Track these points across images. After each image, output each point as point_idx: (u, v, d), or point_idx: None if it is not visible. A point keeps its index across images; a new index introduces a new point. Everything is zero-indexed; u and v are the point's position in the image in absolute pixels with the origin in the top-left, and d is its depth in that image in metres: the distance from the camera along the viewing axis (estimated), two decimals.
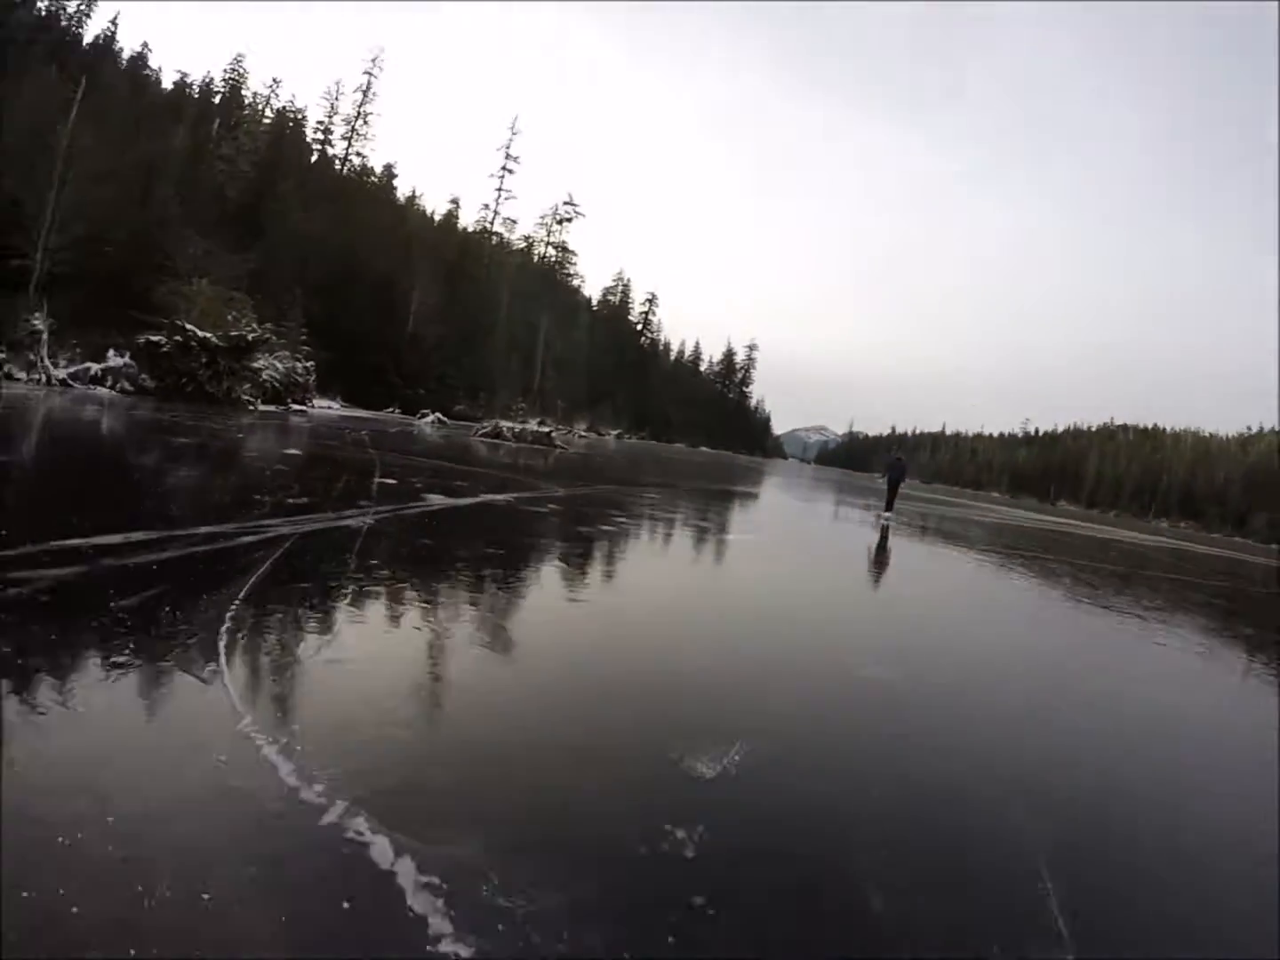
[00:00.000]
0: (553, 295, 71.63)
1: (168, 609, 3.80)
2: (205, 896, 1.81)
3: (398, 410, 42.09)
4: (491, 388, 54.02)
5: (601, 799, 2.69)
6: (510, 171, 67.47)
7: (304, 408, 30.05)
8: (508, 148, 67.57)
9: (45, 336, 23.41)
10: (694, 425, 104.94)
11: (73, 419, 15.31)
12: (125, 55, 55.61)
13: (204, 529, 5.75)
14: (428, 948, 1.76)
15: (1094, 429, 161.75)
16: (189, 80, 57.98)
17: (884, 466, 22.39)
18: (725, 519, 15.70)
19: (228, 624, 3.68)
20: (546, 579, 6.57)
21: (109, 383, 23.85)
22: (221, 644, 3.41)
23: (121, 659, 3.12)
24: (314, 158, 59.50)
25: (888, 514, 19.57)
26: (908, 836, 2.79)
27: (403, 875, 2.00)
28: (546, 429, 37.93)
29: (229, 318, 26.22)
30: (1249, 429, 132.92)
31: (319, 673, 3.36)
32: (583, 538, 9.18)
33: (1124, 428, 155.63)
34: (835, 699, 4.37)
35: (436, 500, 9.89)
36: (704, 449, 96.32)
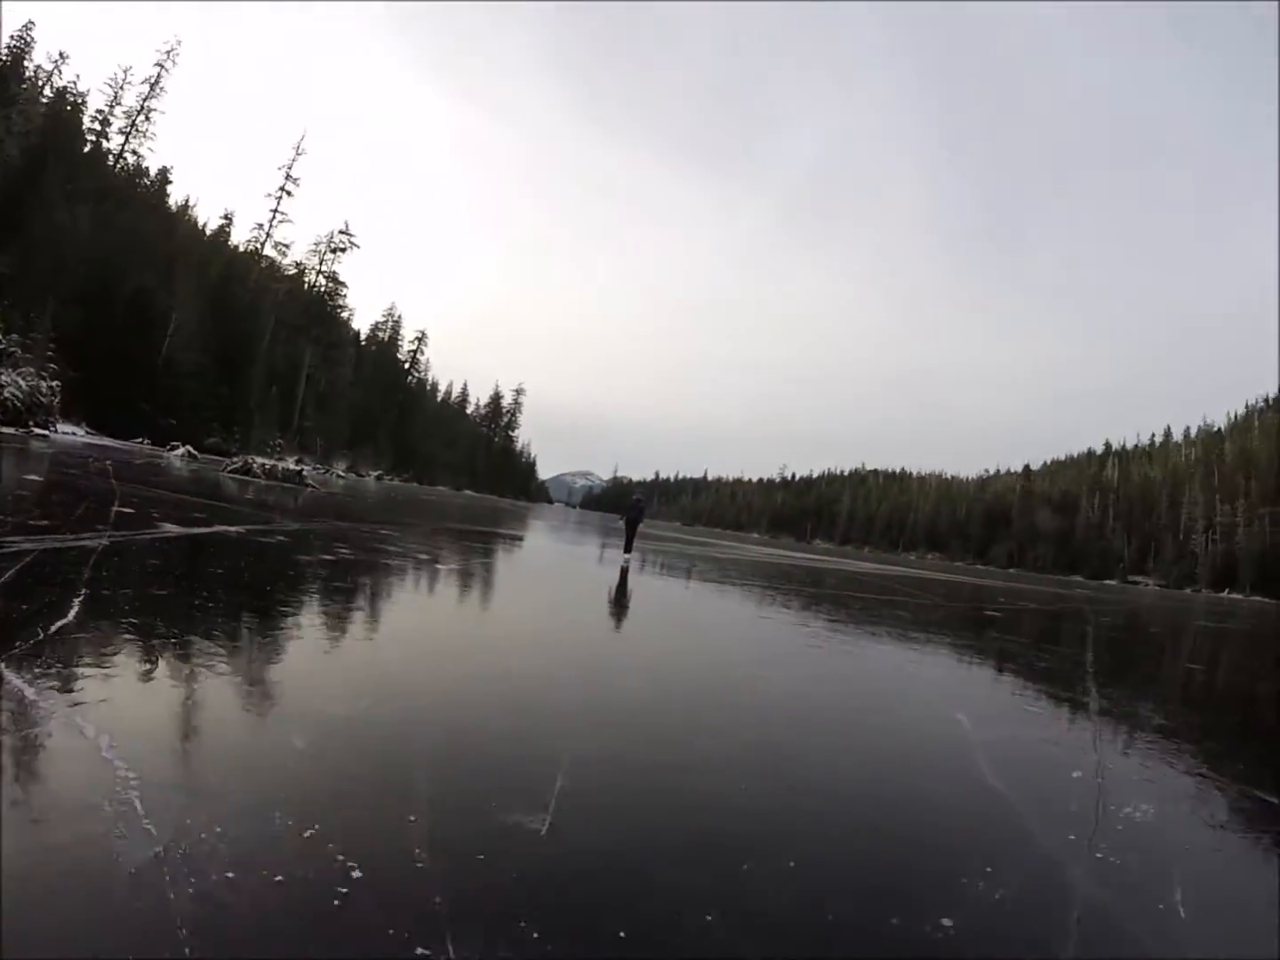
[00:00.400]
0: (320, 328, 69.11)
1: None
2: None
3: (146, 441, 38.89)
4: (249, 421, 51.31)
5: None
6: (289, 193, 64.38)
7: (46, 432, 27.13)
8: (289, 167, 64.50)
9: None
10: (458, 468, 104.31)
11: None
12: None
13: None
14: None
15: (846, 473, 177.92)
16: None
17: (623, 509, 21.94)
18: (449, 552, 15.27)
19: None
20: (250, 593, 7.31)
21: None
22: None
23: None
24: (87, 147, 53.11)
25: (627, 555, 19.41)
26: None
27: None
28: (298, 468, 36.40)
29: None
30: (986, 471, 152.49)
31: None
32: (299, 564, 9.80)
33: (874, 472, 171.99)
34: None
35: (172, 529, 10.34)
36: (467, 492, 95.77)
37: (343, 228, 72.75)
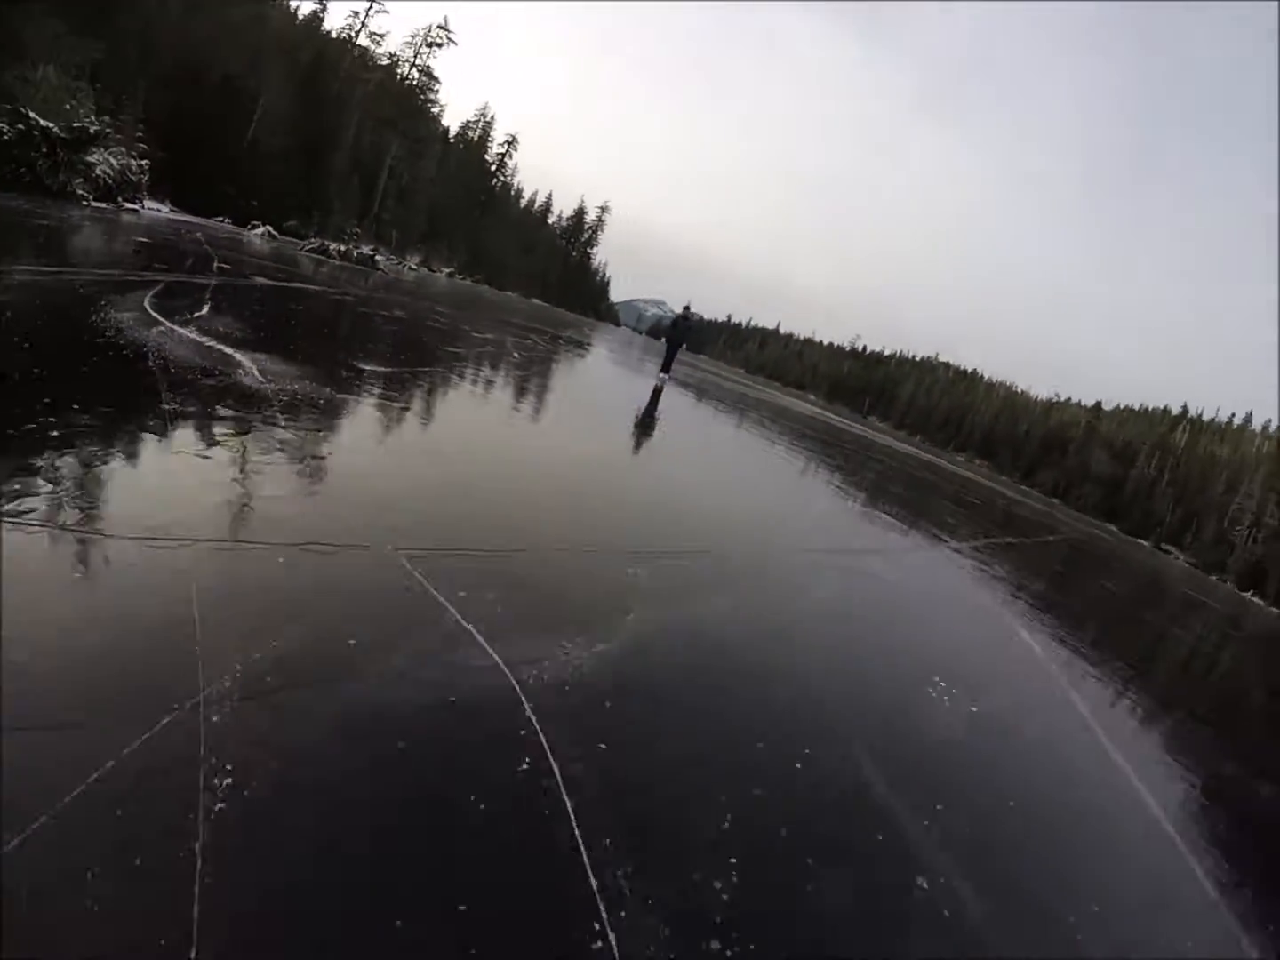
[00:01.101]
0: (408, 121, 70.81)
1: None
2: None
3: (227, 220, 42.81)
4: (328, 208, 54.73)
5: None
6: None
7: (136, 207, 31.36)
8: None
9: None
10: (532, 276, 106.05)
11: None
12: None
13: (114, 271, 10.78)
14: None
15: (918, 359, 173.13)
16: None
17: (670, 325, 19.42)
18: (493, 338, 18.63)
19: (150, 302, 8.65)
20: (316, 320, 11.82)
21: None
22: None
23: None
24: None
25: (663, 375, 18.86)
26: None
27: None
28: (372, 253, 40.75)
29: (66, 107, 27.21)
30: (1057, 395, 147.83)
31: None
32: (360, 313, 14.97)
33: (946, 365, 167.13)
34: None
35: (260, 280, 15.26)
36: (536, 300, 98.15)
37: (441, 23, 73.24)
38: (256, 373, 6.81)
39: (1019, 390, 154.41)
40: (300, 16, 67.94)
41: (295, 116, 51.61)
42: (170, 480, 3.98)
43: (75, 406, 4.49)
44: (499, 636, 3.39)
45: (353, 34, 67.26)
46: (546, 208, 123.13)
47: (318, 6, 68.94)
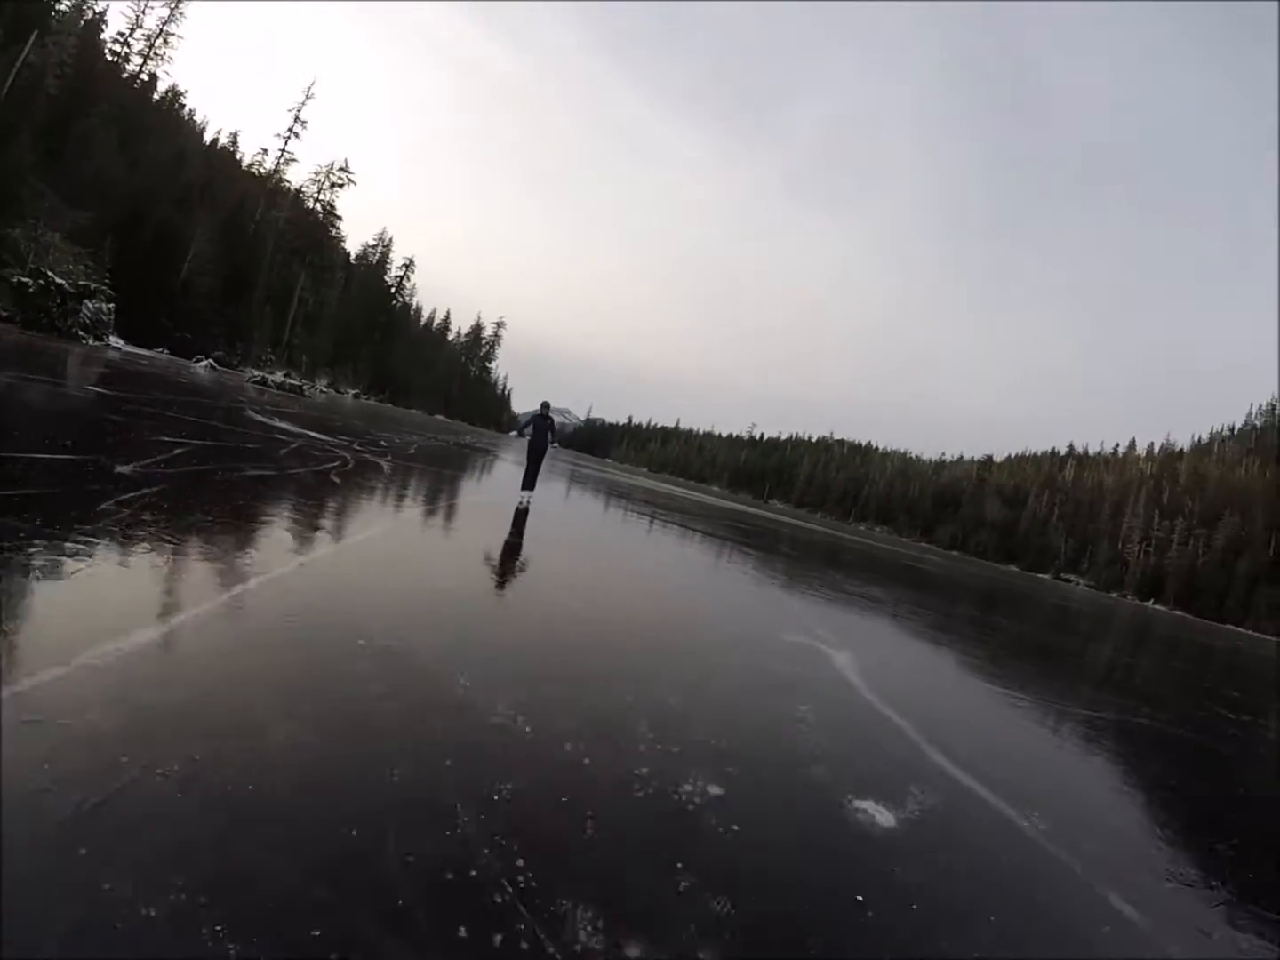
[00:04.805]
0: (314, 253, 79.12)
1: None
2: None
3: (166, 351, 49.63)
4: (248, 338, 62.15)
5: None
6: (296, 135, 75.24)
7: (118, 345, 38.59)
8: (298, 110, 75.13)
9: None
10: (433, 392, 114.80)
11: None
12: None
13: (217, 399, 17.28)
14: None
15: (813, 439, 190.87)
16: None
17: (524, 425, 16.03)
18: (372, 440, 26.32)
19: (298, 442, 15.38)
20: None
21: None
22: None
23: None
24: (100, 64, 59.67)
25: (526, 492, 15.31)
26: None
27: None
28: (300, 383, 48.50)
29: (69, 268, 34.47)
30: (944, 455, 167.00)
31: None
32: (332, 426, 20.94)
33: (840, 442, 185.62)
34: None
35: (289, 426, 21.30)
36: (439, 416, 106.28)
37: (342, 165, 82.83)
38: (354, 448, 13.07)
39: (911, 455, 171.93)
40: (216, 146, 76.49)
41: (219, 255, 59.23)
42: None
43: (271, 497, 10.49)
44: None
45: (266, 177, 76.23)
46: (445, 325, 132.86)
47: (230, 141, 78.74)
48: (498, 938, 2.24)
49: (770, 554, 21.72)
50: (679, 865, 2.91)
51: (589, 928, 2.40)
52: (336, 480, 11.46)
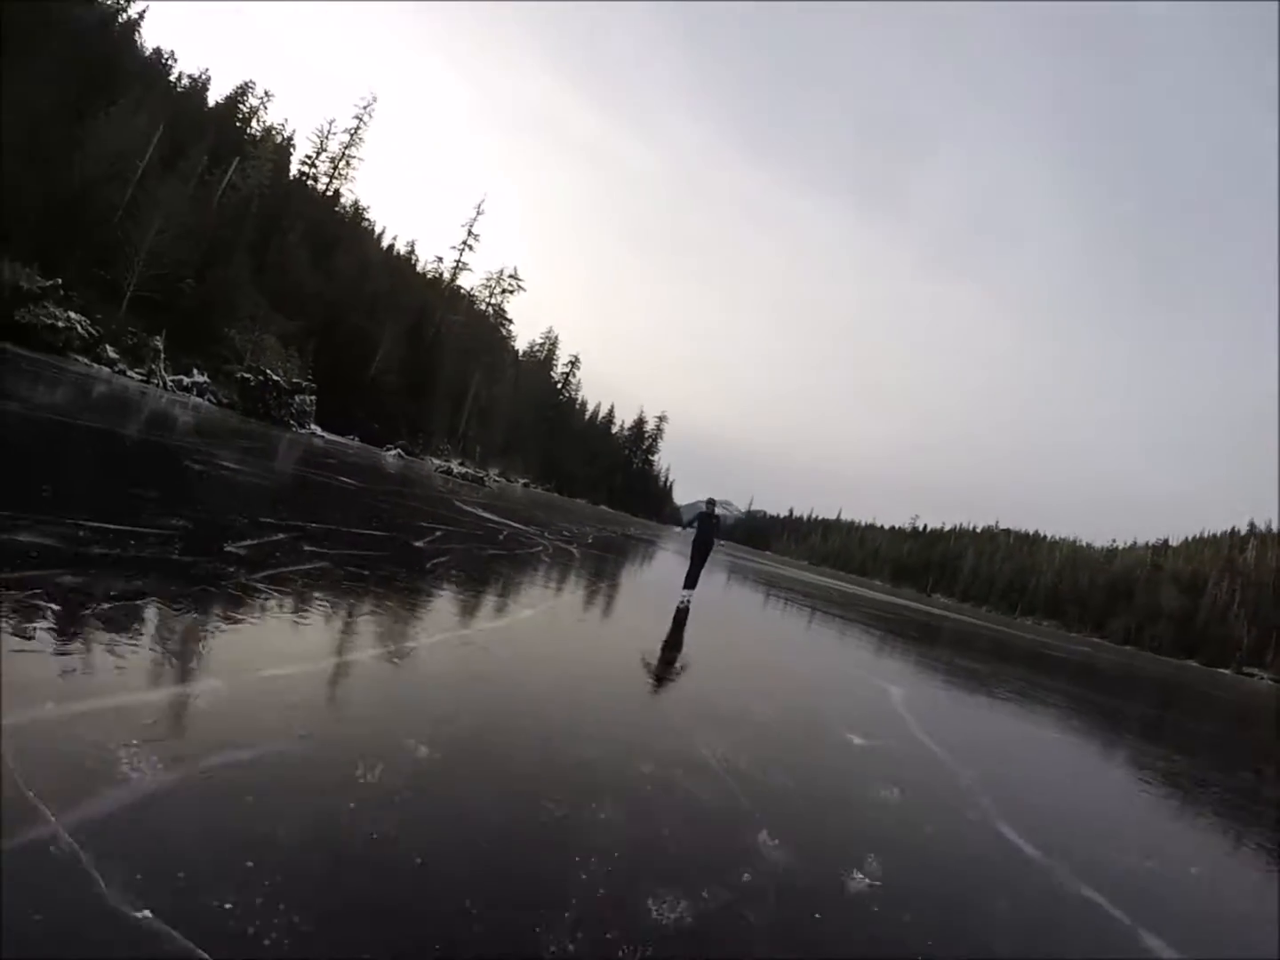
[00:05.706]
0: (487, 353, 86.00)
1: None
2: None
3: (356, 439, 55.63)
4: (429, 429, 68.20)
5: None
6: (470, 248, 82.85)
7: (322, 434, 44.11)
8: (470, 225, 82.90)
9: (162, 352, 36.88)
10: (598, 483, 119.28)
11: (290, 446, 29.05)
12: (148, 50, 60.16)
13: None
14: None
15: (978, 530, 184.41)
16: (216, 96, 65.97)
17: (688, 522, 15.94)
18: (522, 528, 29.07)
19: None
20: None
21: (195, 393, 37.38)
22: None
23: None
24: (292, 180, 68.86)
25: (687, 591, 14.43)
26: None
27: None
28: (480, 473, 53.19)
29: (282, 366, 40.26)
30: (1114, 542, 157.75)
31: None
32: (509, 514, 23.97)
33: (1006, 531, 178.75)
34: None
35: (489, 516, 24.77)
36: (603, 507, 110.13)
37: (512, 272, 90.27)
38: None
39: (1081, 543, 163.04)
40: (398, 251, 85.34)
41: (404, 355, 65.98)
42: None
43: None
44: None
45: (443, 280, 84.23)
46: (609, 419, 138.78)
47: (408, 250, 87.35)
48: None
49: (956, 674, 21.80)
50: None
51: None
52: (546, 559, 15.05)
